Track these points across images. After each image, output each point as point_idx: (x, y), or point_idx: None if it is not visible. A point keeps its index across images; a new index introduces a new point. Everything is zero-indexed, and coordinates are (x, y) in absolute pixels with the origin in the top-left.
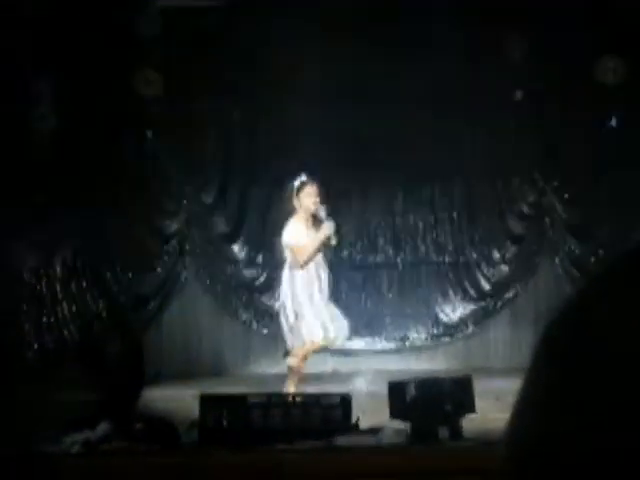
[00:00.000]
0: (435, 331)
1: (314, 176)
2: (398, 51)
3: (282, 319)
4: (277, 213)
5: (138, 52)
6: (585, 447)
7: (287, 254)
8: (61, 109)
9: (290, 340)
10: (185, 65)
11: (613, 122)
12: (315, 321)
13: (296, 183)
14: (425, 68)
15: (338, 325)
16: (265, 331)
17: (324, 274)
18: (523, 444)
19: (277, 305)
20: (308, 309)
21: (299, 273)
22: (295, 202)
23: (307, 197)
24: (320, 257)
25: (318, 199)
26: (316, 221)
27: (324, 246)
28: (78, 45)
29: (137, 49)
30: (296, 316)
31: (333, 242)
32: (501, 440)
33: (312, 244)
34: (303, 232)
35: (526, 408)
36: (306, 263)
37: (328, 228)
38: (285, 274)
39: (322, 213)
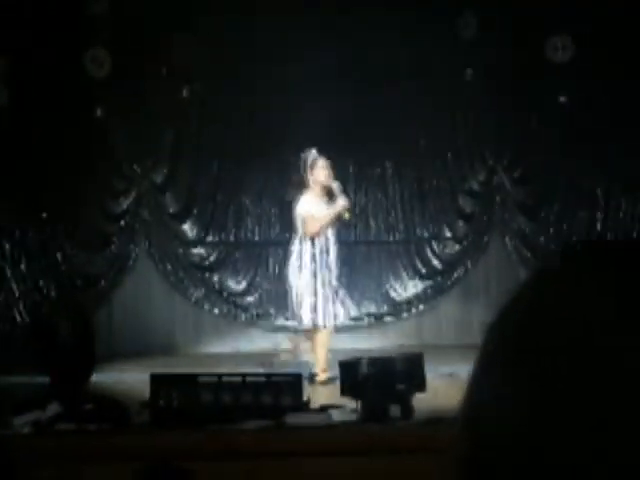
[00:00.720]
0: (386, 309)
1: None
2: (349, 33)
3: (291, 296)
4: (228, 192)
5: (88, 30)
6: (540, 426)
7: (299, 226)
8: (10, 88)
9: (294, 319)
10: (135, 44)
11: (563, 100)
12: (318, 302)
13: (309, 157)
14: (377, 48)
15: (333, 309)
16: (216, 310)
17: (333, 250)
18: (479, 422)
19: (290, 280)
20: (312, 287)
21: (308, 247)
22: (308, 176)
23: (320, 171)
24: (331, 233)
25: (330, 172)
26: (330, 196)
27: (337, 220)
28: (27, 23)
29: (87, 27)
30: (301, 294)
31: (347, 216)
32: (453, 417)
33: (325, 215)
34: (315, 203)
35: (481, 387)
36: (317, 234)
37: (344, 200)
38: (295, 248)
39: (337, 188)
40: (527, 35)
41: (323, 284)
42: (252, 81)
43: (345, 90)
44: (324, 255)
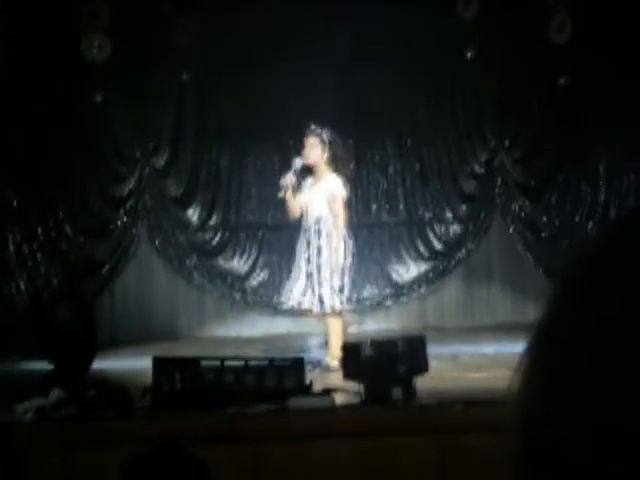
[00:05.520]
0: (388, 291)
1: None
2: (350, 14)
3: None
4: (229, 175)
5: (87, 14)
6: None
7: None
8: (6, 72)
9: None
10: (135, 27)
11: (563, 81)
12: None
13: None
14: (377, 29)
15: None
16: (219, 294)
17: None
18: (534, 421)
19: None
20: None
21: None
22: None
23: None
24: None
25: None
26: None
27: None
28: (25, 7)
29: (86, 11)
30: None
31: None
32: (495, 400)
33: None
34: None
35: (535, 380)
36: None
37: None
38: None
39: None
40: (527, 15)
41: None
42: (252, 64)
43: (345, 71)
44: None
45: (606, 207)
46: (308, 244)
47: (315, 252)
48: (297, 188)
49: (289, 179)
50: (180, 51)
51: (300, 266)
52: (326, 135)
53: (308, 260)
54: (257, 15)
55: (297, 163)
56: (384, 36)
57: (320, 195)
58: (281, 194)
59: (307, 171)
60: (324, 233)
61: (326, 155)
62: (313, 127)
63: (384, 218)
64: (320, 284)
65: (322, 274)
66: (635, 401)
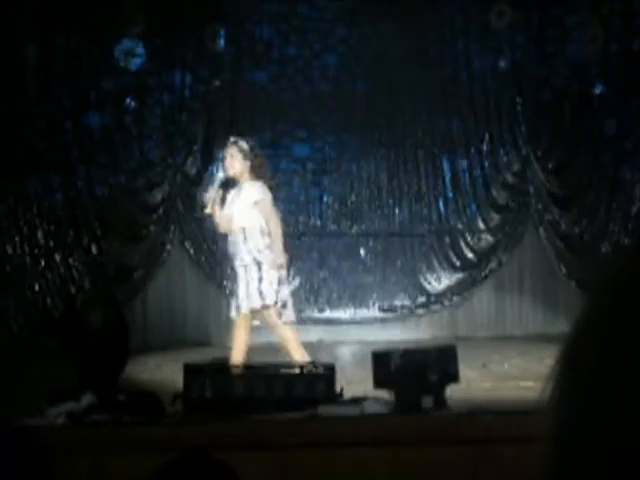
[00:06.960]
0: (420, 300)
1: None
2: (381, 19)
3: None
4: None
5: (121, 21)
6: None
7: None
8: (39, 78)
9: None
10: (168, 36)
11: (597, 91)
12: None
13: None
14: (409, 37)
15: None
16: None
17: None
18: (568, 438)
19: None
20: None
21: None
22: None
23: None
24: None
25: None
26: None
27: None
28: (60, 13)
29: (120, 18)
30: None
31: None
32: (526, 410)
33: None
34: None
35: (567, 401)
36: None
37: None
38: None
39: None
40: (557, 25)
41: None
42: (282, 72)
43: (377, 78)
44: None
45: (639, 218)
46: (238, 254)
47: (246, 260)
48: (221, 202)
49: (212, 194)
50: (211, 60)
51: (239, 275)
52: (246, 145)
53: (245, 268)
54: (285, 23)
55: (217, 177)
56: (416, 44)
57: (242, 205)
58: (207, 210)
59: (230, 184)
60: (251, 243)
61: (248, 164)
62: (233, 139)
63: (416, 227)
64: (259, 280)
65: (254, 274)
66: None
